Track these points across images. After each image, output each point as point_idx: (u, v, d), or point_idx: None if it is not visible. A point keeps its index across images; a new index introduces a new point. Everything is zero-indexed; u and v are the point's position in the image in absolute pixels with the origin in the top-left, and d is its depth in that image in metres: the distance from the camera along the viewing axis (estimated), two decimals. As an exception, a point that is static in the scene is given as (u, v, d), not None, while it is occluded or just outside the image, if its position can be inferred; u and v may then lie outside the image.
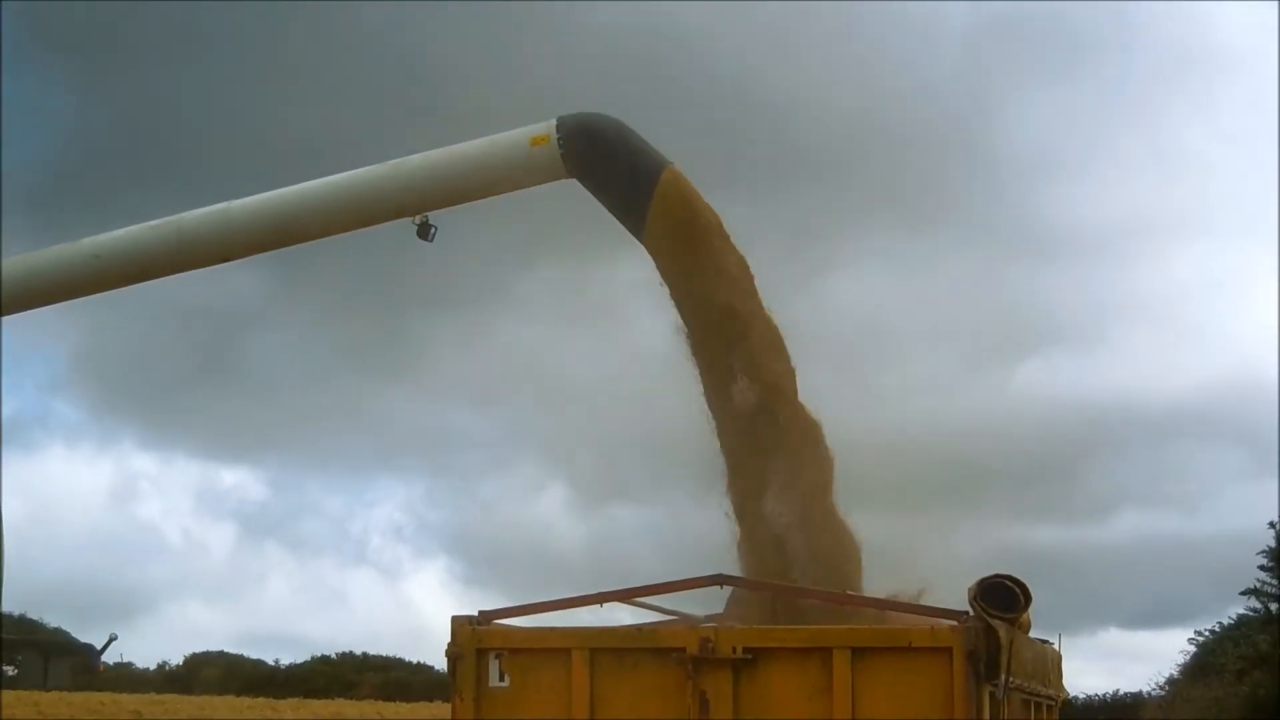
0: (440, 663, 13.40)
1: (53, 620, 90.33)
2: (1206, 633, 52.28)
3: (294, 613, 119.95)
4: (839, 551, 15.53)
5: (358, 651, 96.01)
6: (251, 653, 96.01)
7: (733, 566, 15.29)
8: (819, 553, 15.44)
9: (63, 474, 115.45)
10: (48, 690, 61.67)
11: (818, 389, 16.26)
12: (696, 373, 16.38)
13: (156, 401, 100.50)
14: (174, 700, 62.43)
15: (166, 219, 18.19)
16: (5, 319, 18.89)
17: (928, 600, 13.46)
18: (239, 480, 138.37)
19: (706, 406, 16.33)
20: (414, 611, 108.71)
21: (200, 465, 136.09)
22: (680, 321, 16.39)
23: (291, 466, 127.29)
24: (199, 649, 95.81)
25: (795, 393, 16.14)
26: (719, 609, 14.59)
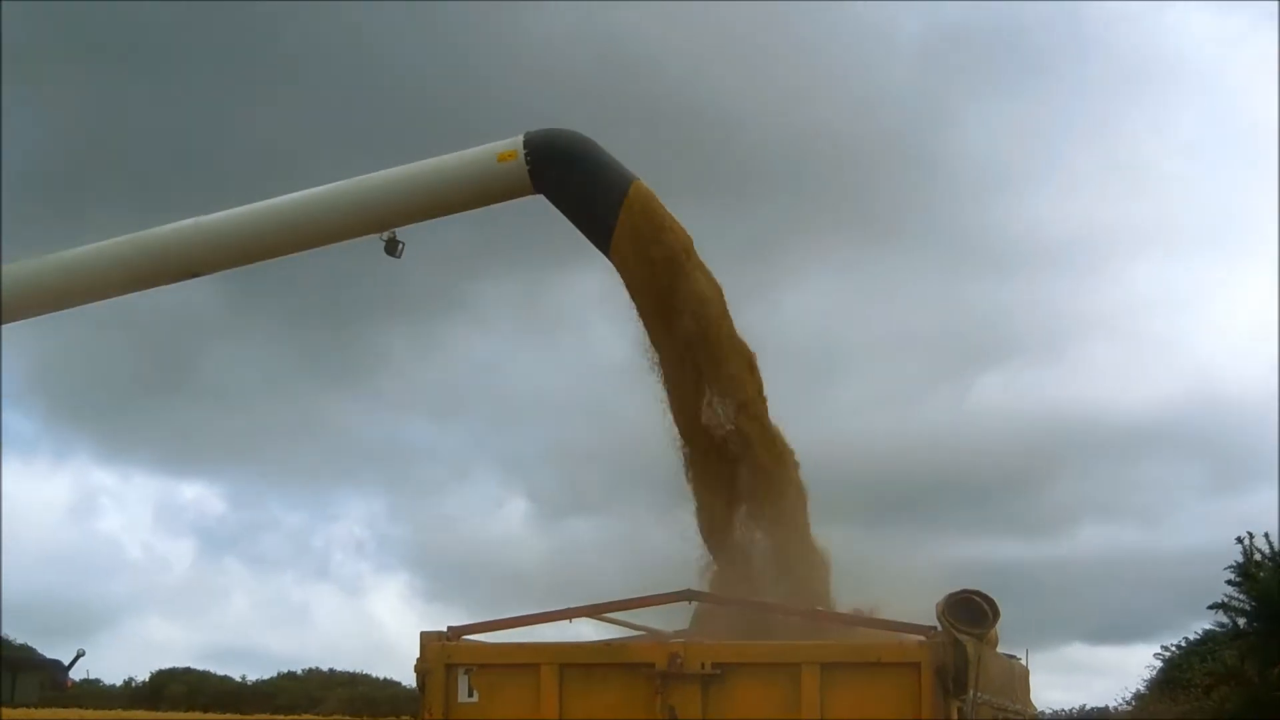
0: (407, 678, 13.46)
1: (15, 636, 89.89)
2: (1173, 648, 52.42)
3: (256, 628, 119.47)
4: (810, 572, 15.50)
5: (324, 667, 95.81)
6: (214, 668, 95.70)
7: (700, 585, 15.26)
8: (791, 574, 15.42)
9: (19, 489, 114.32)
10: (14, 707, 61.31)
11: (775, 401, 16.25)
12: (662, 390, 16.34)
13: (112, 414, 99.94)
14: (141, 716, 62.23)
15: (133, 235, 18.15)
16: None
17: (887, 615, 13.46)
18: (197, 494, 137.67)
19: (674, 425, 16.29)
20: (376, 626, 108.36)
21: (157, 479, 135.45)
22: (646, 339, 16.36)
23: (249, 480, 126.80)
24: (162, 665, 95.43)
25: (766, 414, 16.12)
26: (685, 624, 14.60)
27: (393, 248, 17.40)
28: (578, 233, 16.64)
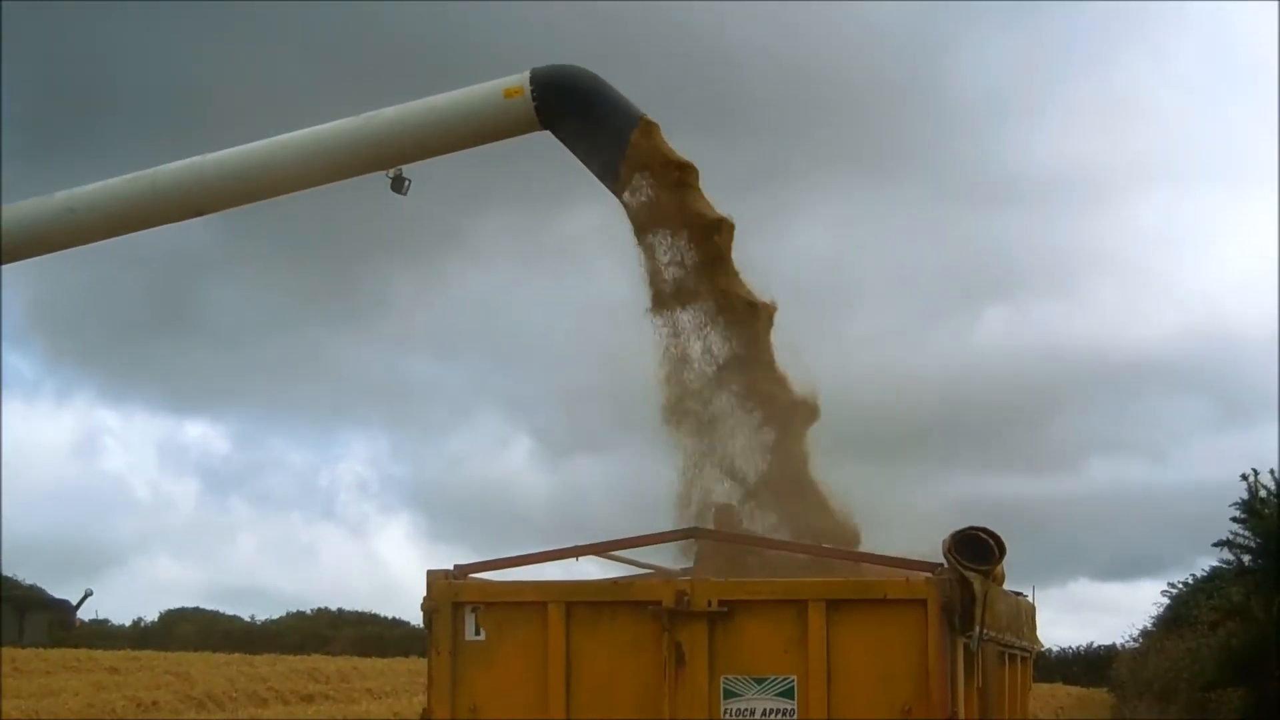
0: (415, 618, 13.45)
1: (23, 576, 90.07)
2: (1180, 585, 52.55)
3: (263, 568, 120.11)
4: (817, 515, 15.39)
5: (332, 607, 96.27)
6: (222, 607, 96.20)
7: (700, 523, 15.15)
8: (793, 516, 15.36)
9: (22, 429, 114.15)
10: (23, 647, 61.55)
11: (778, 337, 16.14)
12: (662, 330, 16.21)
13: (113, 354, 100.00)
14: (150, 656, 62.36)
15: (140, 172, 18.13)
16: None
17: (888, 553, 13.45)
18: (200, 434, 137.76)
19: (670, 369, 16.13)
20: (382, 566, 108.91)
21: (160, 419, 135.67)
22: (649, 276, 16.26)
23: (252, 419, 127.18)
24: (170, 605, 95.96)
25: (770, 353, 16.02)
26: (690, 563, 14.59)
27: (399, 185, 17.37)
28: (578, 168, 16.60)
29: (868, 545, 14.42)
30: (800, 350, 16.03)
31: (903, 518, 15.03)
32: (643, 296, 16.20)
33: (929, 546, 12.63)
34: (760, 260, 16.26)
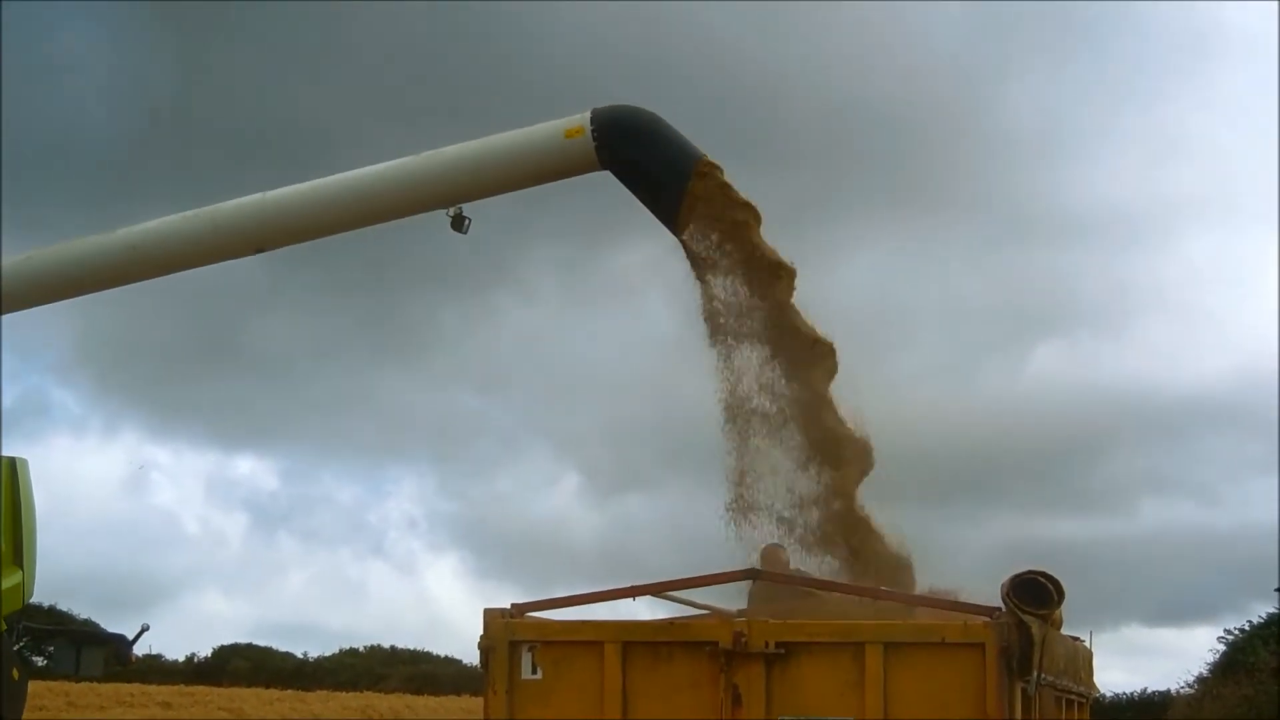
0: (465, 655, 13.51)
1: (78, 610, 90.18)
2: (1237, 631, 52.14)
3: (314, 604, 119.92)
4: (872, 543, 15.38)
5: (384, 644, 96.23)
6: (274, 644, 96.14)
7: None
8: (848, 548, 15.36)
9: (70, 465, 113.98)
10: (79, 681, 61.79)
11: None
12: (721, 371, 16.20)
13: (161, 388, 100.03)
14: (203, 691, 62.65)
15: (201, 209, 18.18)
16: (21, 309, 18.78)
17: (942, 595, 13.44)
18: (249, 469, 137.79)
19: (727, 408, 16.11)
20: (432, 603, 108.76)
21: (208, 454, 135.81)
22: (708, 315, 16.27)
23: (300, 455, 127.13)
24: (222, 640, 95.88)
25: (829, 398, 15.99)
26: (742, 603, 14.57)
27: (459, 224, 17.35)
28: (627, 203, 16.61)
29: (921, 587, 14.39)
30: (852, 388, 16.02)
31: (955, 558, 14.97)
32: (697, 334, 16.24)
33: (981, 587, 12.61)
34: (810, 298, 16.26)
